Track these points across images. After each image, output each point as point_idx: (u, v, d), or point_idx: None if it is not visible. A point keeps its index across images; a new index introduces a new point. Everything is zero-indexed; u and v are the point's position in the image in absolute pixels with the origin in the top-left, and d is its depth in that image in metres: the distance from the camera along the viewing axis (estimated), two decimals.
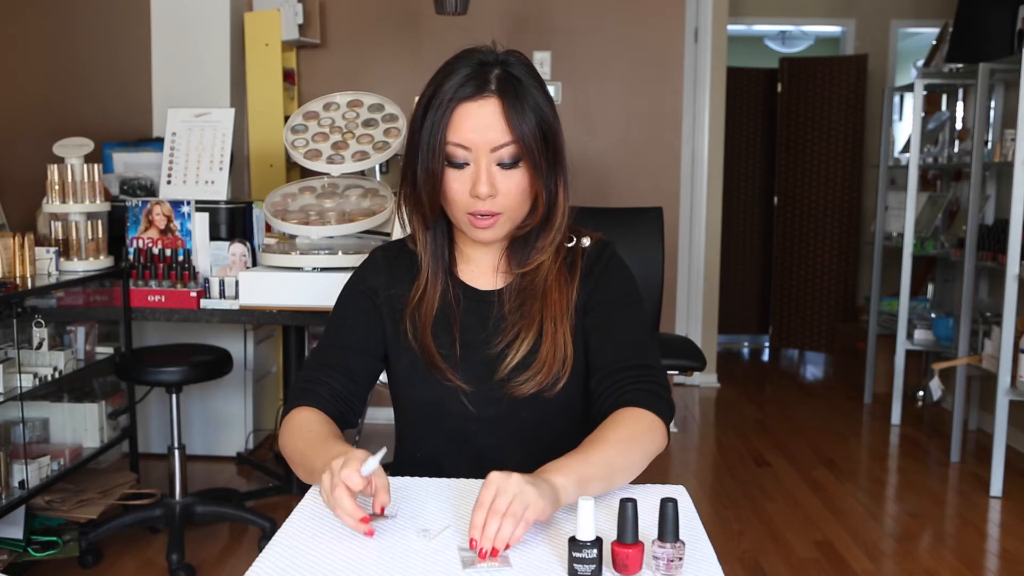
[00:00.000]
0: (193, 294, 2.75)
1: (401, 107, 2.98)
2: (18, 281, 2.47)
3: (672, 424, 1.31)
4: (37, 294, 2.60)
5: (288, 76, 3.99)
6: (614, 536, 1.01)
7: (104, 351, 2.85)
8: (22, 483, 2.44)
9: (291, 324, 2.96)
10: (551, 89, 2.82)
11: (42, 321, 2.59)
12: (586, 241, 1.41)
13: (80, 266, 2.72)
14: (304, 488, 1.26)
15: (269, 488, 3.29)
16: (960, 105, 4.42)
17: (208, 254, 2.86)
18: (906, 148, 4.60)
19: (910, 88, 4.34)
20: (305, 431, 1.27)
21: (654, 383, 1.29)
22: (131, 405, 3.02)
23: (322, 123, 2.93)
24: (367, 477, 1.09)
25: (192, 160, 3.02)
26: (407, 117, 2.82)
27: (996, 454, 3.35)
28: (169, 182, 3.01)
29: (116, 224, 2.95)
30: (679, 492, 1.23)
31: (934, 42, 4.41)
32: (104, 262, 2.77)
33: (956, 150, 4.33)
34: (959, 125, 4.41)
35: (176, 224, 2.85)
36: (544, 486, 1.06)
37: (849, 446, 4.07)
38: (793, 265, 5.85)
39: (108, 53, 3.56)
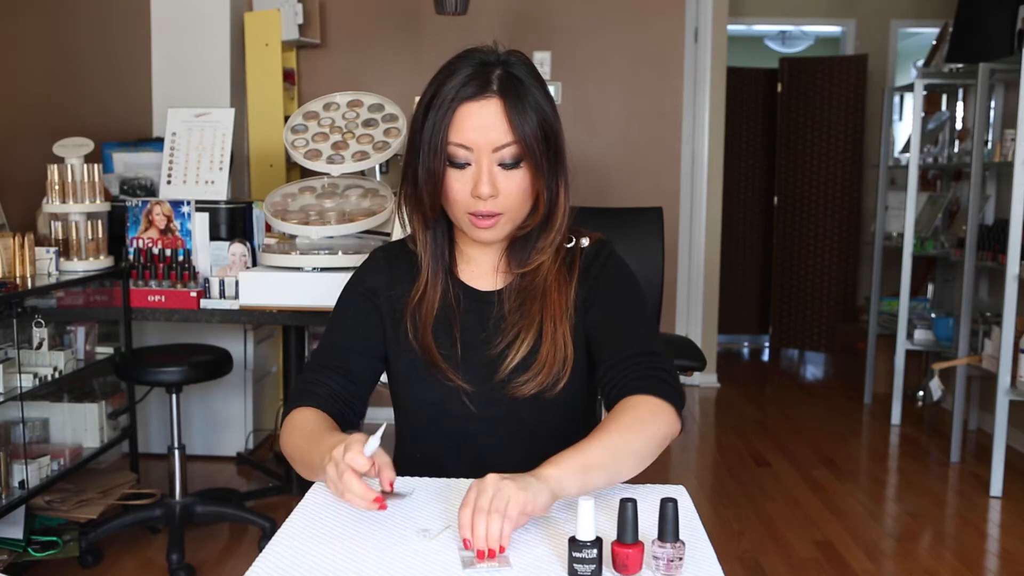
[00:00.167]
0: (193, 294, 2.75)
1: (401, 107, 2.98)
2: (18, 281, 2.47)
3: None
4: (37, 294, 2.60)
5: (288, 76, 3.99)
6: (614, 536, 1.01)
7: (104, 351, 2.85)
8: (22, 483, 2.44)
9: (291, 324, 2.96)
10: (551, 89, 2.82)
11: (42, 321, 2.59)
12: (585, 241, 1.41)
13: (80, 266, 2.72)
14: (304, 488, 1.26)
15: (269, 488, 3.29)
16: (960, 105, 4.42)
17: (208, 254, 2.86)
18: (906, 148, 4.60)
19: (910, 88, 4.34)
20: (304, 428, 1.28)
21: (659, 369, 1.28)
22: (131, 405, 3.02)
23: (322, 123, 2.93)
24: (370, 457, 1.11)
25: (192, 160, 3.02)
26: (407, 117, 2.82)
27: (996, 454, 3.35)
28: (169, 182, 3.01)
29: (116, 224, 2.95)
30: (679, 492, 1.23)
31: (934, 42, 4.40)
32: (104, 262, 2.77)
33: (956, 150, 4.33)
34: (959, 125, 4.41)
35: (176, 224, 2.85)
36: (528, 480, 1.06)
37: (849, 446, 4.07)
38: (793, 265, 5.85)
39: (108, 53, 3.56)
